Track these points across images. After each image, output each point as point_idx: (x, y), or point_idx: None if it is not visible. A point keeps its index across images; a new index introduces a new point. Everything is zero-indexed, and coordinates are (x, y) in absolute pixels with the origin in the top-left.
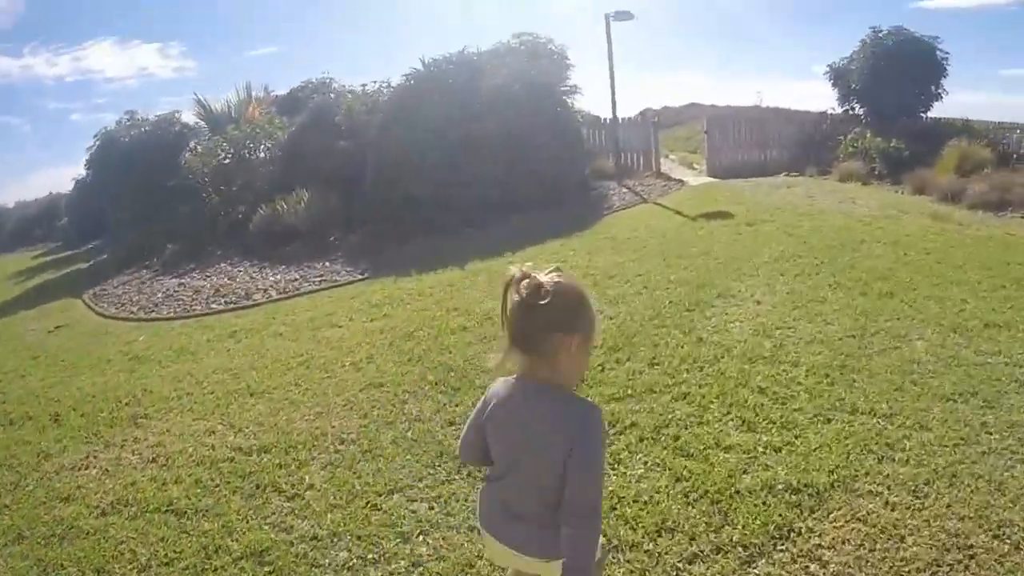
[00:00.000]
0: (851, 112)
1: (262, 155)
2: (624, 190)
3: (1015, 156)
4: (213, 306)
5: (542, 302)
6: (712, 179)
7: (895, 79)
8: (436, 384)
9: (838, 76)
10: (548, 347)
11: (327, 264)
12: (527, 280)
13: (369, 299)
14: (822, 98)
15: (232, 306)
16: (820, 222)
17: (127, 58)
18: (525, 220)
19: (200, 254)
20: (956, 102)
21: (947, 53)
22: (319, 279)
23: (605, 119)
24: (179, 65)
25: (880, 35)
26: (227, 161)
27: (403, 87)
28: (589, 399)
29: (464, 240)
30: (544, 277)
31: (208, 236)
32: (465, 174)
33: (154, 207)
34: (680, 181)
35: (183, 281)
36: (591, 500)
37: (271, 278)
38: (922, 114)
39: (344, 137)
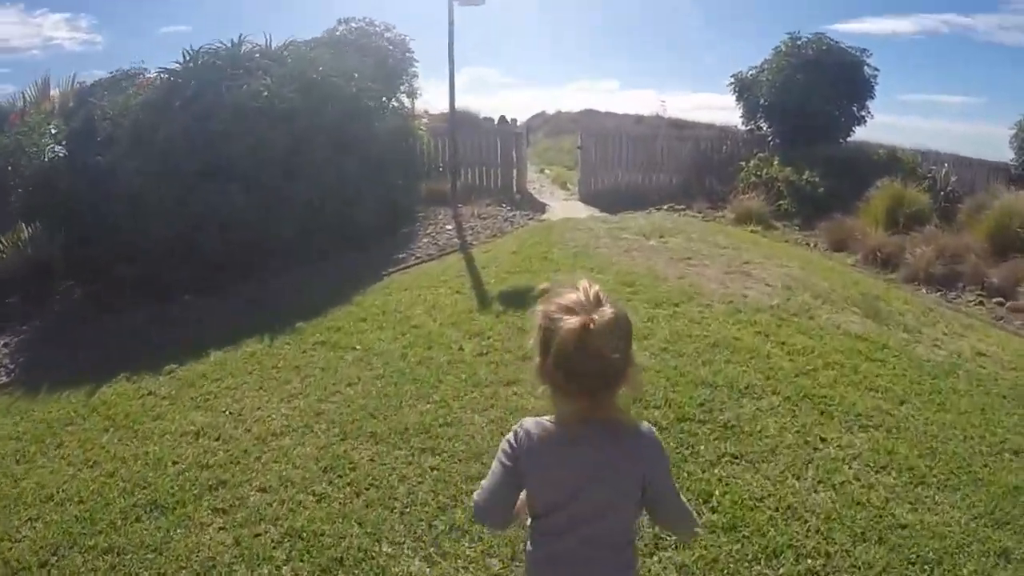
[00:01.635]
0: (757, 131)
1: (26, 172)
2: (450, 226)
3: (942, 193)
4: None
5: (624, 330)
6: (581, 207)
7: (813, 95)
8: None
9: (744, 88)
10: (621, 377)
11: None
12: (607, 306)
13: None
14: (728, 111)
15: None
16: (683, 326)
17: (33, 27)
18: (271, 281)
19: None
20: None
21: (876, 70)
22: None
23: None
24: (87, 38)
25: (799, 43)
26: None
27: (158, 88)
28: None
29: (173, 315)
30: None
31: None
32: (212, 211)
33: None
34: (541, 208)
35: None
36: (685, 507)
37: None
38: (842, 140)
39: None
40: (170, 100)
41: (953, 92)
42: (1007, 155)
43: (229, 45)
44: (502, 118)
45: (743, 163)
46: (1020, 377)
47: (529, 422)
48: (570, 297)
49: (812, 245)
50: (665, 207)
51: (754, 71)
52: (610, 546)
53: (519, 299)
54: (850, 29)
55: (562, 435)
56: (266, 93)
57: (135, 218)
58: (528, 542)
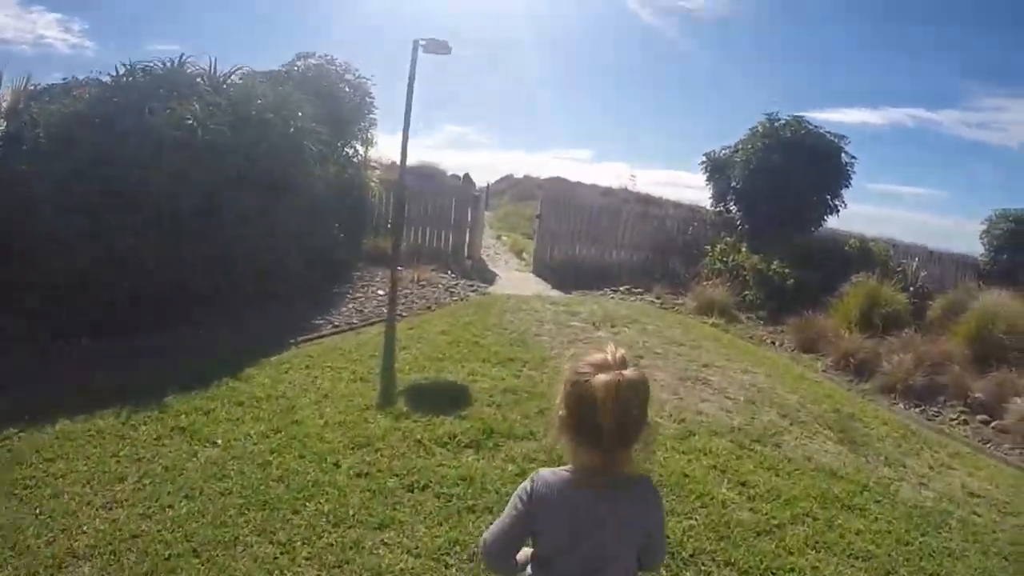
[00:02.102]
0: (726, 214)
1: None
2: (383, 292)
3: (912, 289)
4: None
5: (645, 392)
6: (533, 280)
7: (788, 179)
8: None
9: (716, 168)
10: (639, 435)
11: None
12: (631, 367)
13: None
14: (698, 190)
15: None
16: None
17: (28, 23)
18: (170, 333)
19: None
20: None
21: (853, 157)
22: None
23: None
24: (78, 43)
25: (776, 124)
26: None
27: (85, 102)
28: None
29: (60, 360)
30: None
31: None
32: (118, 246)
33: None
34: (490, 279)
35: None
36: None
37: None
38: (813, 228)
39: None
40: (92, 116)
41: (915, 184)
42: (971, 248)
43: (169, 64)
44: (467, 176)
45: (709, 247)
46: (1019, 526)
47: (546, 472)
48: (598, 356)
49: (779, 344)
50: (623, 288)
51: (727, 151)
52: None
53: (430, 398)
54: (824, 118)
55: (576, 485)
56: (191, 121)
57: (38, 243)
58: None
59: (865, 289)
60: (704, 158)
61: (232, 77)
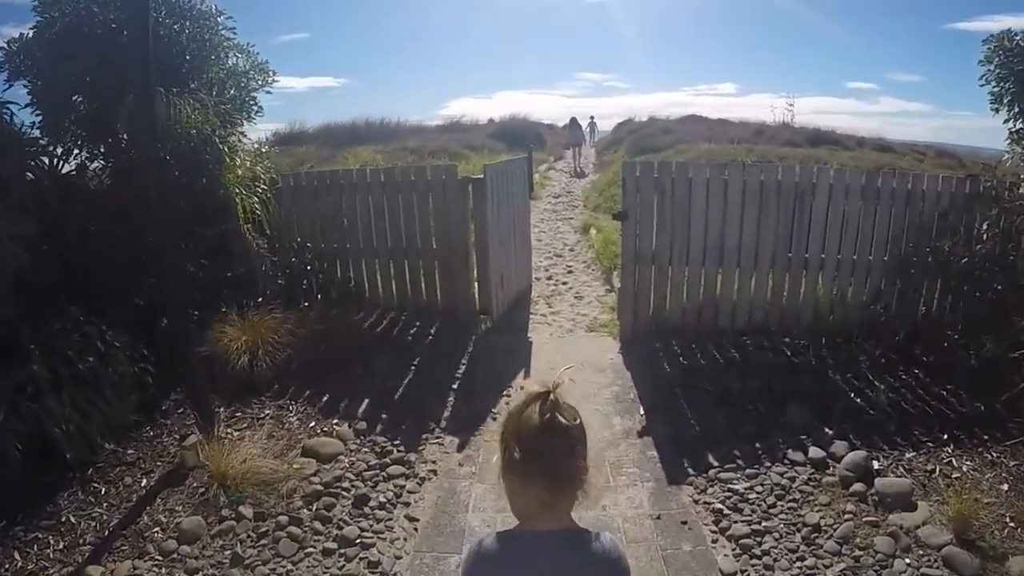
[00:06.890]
0: None
1: None
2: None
3: None
4: None
5: (576, 421)
6: (606, 380)
7: None
8: None
9: None
10: (577, 476)
11: None
12: (555, 399)
13: None
14: (856, 116)
15: None
16: None
17: None
18: None
19: None
20: None
21: None
22: None
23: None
24: None
25: None
26: None
27: None
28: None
29: None
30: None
31: None
32: None
33: None
34: (497, 390)
35: None
36: None
37: None
38: None
39: None
40: None
41: None
42: None
43: None
44: (573, 120)
45: None
46: None
47: (488, 537)
48: (534, 388)
49: None
50: (843, 452)
51: None
52: None
53: None
54: (978, 27)
55: (518, 544)
56: None
57: None
58: None
59: None
60: (989, 49)
61: None
